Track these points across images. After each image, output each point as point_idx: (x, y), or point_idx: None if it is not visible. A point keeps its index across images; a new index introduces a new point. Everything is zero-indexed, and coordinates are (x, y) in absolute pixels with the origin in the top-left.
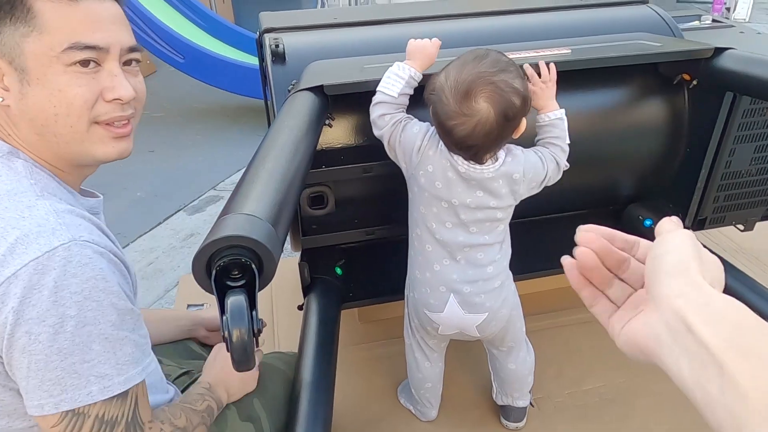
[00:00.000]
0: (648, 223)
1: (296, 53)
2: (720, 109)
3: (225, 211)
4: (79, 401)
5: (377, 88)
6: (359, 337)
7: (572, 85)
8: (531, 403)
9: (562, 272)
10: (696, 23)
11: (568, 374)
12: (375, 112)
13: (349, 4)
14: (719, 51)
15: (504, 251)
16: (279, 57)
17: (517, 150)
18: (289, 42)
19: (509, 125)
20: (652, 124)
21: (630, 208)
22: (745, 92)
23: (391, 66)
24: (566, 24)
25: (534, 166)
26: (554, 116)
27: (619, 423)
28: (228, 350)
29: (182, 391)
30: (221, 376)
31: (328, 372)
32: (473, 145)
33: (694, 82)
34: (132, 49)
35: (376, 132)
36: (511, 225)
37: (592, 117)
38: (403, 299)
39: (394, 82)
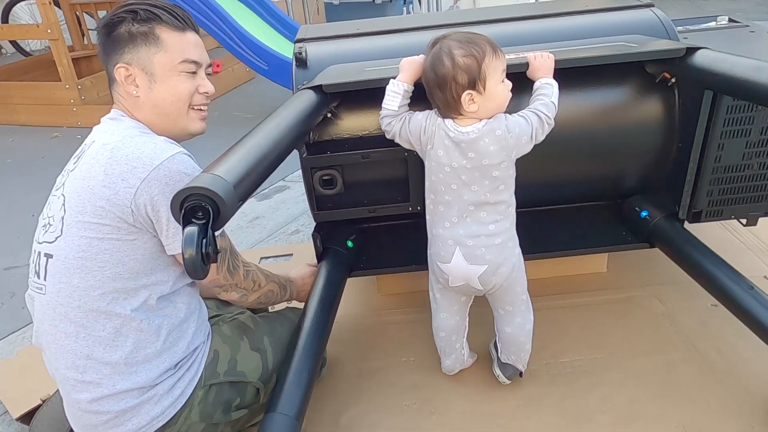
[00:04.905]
0: (643, 214)
1: (318, 60)
2: (701, 106)
3: (206, 169)
4: None
5: (383, 104)
6: (377, 306)
7: (571, 84)
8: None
9: (563, 256)
10: (713, 24)
11: (550, 348)
12: (383, 123)
13: (428, 9)
14: (692, 51)
15: (507, 214)
16: (302, 63)
17: (500, 114)
18: (314, 50)
19: (440, 83)
20: (646, 121)
21: (629, 201)
22: (719, 90)
23: (388, 82)
24: (571, 28)
25: (517, 123)
26: (544, 81)
27: (585, 390)
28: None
29: (212, 326)
30: (299, 279)
31: (324, 322)
32: (428, 92)
33: (673, 80)
34: (209, 65)
35: (388, 136)
36: (517, 213)
37: (590, 113)
38: (408, 272)
39: (393, 97)
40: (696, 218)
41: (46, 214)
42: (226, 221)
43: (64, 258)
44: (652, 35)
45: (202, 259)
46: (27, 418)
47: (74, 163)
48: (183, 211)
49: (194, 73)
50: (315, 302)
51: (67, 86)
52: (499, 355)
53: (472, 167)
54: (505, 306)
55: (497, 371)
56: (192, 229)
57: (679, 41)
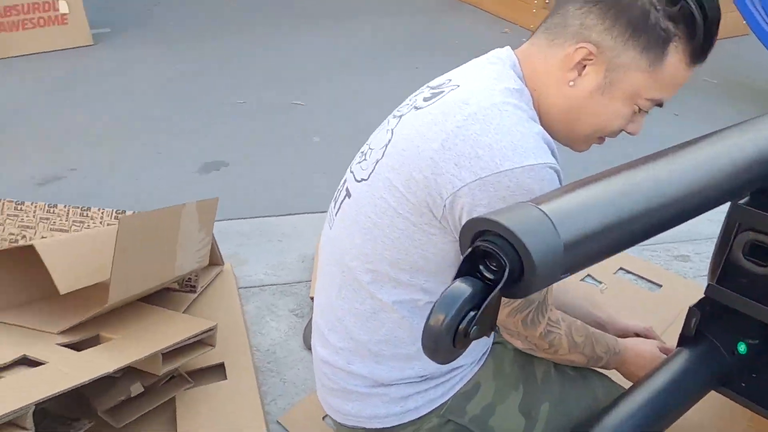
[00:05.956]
0: None
1: None
2: None
3: (541, 198)
4: None
5: None
6: None
7: None
8: None
9: None
10: None
11: None
12: None
13: None
14: None
15: None
16: None
17: None
18: None
19: None
20: None
21: None
22: None
23: None
24: None
25: None
26: None
27: None
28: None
29: (497, 344)
30: (632, 354)
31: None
32: None
33: None
34: None
35: None
36: None
37: None
38: None
39: None
40: None
41: (372, 139)
42: (530, 293)
43: (358, 209)
44: None
45: (453, 338)
46: None
47: (424, 100)
48: (472, 247)
49: (643, 112)
50: (645, 396)
51: None
52: None
53: None
54: None
55: None
56: (461, 288)
57: None
